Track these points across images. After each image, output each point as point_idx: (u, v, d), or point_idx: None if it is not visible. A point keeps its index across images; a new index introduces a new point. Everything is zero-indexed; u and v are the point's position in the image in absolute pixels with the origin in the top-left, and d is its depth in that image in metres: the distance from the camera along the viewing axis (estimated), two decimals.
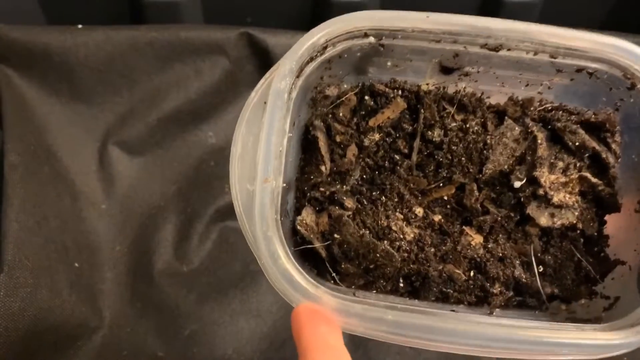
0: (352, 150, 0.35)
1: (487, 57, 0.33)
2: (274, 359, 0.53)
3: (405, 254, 0.33)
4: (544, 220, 0.34)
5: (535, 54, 0.32)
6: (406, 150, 0.35)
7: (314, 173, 0.35)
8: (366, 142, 0.35)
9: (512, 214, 0.35)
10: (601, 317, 0.33)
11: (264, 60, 0.60)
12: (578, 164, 0.34)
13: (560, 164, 0.34)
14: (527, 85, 0.35)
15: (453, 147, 0.35)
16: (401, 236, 0.33)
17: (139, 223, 0.59)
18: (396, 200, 0.34)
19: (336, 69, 0.34)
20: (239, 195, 0.30)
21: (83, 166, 0.58)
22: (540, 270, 0.34)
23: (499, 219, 0.34)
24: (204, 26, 0.60)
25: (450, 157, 0.35)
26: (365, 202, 0.34)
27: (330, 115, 0.36)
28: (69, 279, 0.52)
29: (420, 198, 0.35)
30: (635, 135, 0.35)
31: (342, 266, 0.33)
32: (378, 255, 0.32)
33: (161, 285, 0.56)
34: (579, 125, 0.35)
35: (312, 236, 0.33)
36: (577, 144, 0.34)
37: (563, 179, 0.34)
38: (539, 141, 0.34)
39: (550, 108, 0.36)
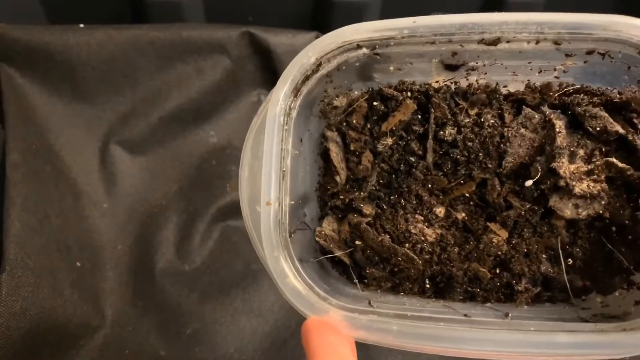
0: (367, 157, 0.35)
1: (488, 52, 0.32)
2: (275, 358, 0.53)
3: (428, 256, 0.33)
4: (568, 212, 0.32)
5: (537, 42, 0.31)
6: (420, 152, 0.35)
7: (331, 183, 0.36)
8: (380, 148, 0.35)
9: (536, 207, 0.33)
10: (630, 311, 0.31)
11: (266, 59, 0.60)
12: (604, 149, 0.32)
13: (582, 152, 0.32)
14: (540, 72, 0.34)
15: (469, 144, 0.34)
16: (422, 238, 0.33)
17: (140, 222, 0.59)
18: (415, 202, 0.34)
19: (339, 81, 0.35)
20: (249, 217, 0.32)
21: (85, 165, 0.58)
22: (570, 263, 0.33)
23: (523, 212, 0.33)
24: (205, 25, 0.60)
25: (467, 154, 0.34)
26: (385, 207, 0.34)
27: (344, 124, 0.36)
28: (70, 278, 0.52)
29: (441, 197, 0.35)
30: None
31: (367, 271, 0.34)
32: (399, 259, 0.33)
33: (163, 285, 0.56)
34: (601, 108, 0.32)
35: (332, 245, 0.34)
36: (598, 129, 0.32)
37: (585, 168, 0.32)
38: (557, 129, 0.32)
39: (571, 91, 0.33)
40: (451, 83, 0.35)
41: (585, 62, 0.32)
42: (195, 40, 0.58)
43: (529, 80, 0.34)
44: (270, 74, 0.61)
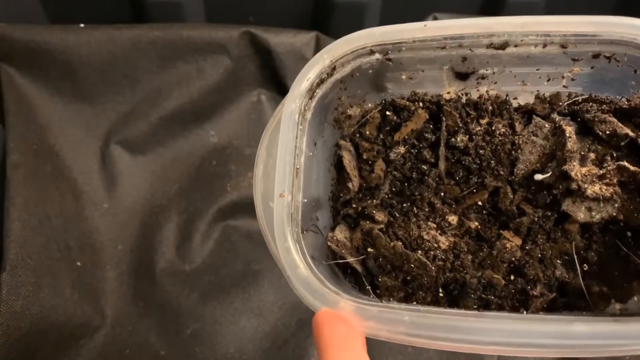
0: (380, 165, 0.36)
1: (497, 57, 0.33)
2: (275, 357, 0.53)
3: (441, 263, 0.33)
4: (581, 215, 0.32)
5: (545, 46, 0.32)
6: (432, 159, 0.35)
7: (344, 191, 0.36)
8: (392, 156, 0.35)
9: (549, 213, 0.33)
10: None
11: (266, 59, 0.60)
12: (615, 154, 0.32)
13: (592, 156, 0.32)
14: (548, 80, 0.34)
15: (480, 151, 0.34)
16: (435, 245, 0.33)
17: (141, 222, 0.59)
18: (427, 210, 0.34)
19: (353, 89, 0.35)
20: (262, 213, 0.32)
21: (85, 165, 0.58)
22: (585, 269, 0.32)
23: (537, 219, 0.33)
24: (206, 25, 0.60)
25: (479, 162, 0.34)
26: (397, 215, 0.34)
27: (357, 135, 0.36)
28: (71, 278, 0.52)
29: (454, 206, 0.35)
30: None
31: (380, 279, 0.33)
32: (412, 265, 0.32)
33: (163, 284, 0.56)
34: (610, 115, 0.33)
35: (344, 251, 0.34)
36: (607, 132, 0.32)
37: (597, 171, 0.32)
38: (567, 135, 0.32)
39: (580, 100, 0.34)
40: (462, 94, 0.35)
41: (592, 67, 0.33)
42: (195, 40, 0.58)
43: (538, 91, 0.35)
44: (270, 74, 0.61)
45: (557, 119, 0.33)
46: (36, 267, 0.49)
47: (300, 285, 0.29)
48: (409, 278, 0.33)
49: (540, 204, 0.33)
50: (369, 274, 0.34)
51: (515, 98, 0.35)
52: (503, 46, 0.32)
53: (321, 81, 0.33)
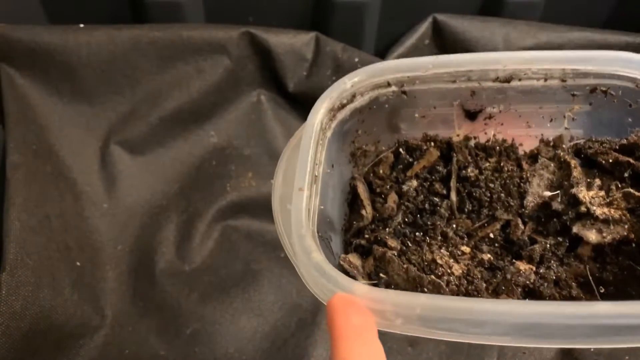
0: (393, 198, 0.37)
1: (503, 91, 0.35)
2: (275, 358, 0.53)
3: (455, 287, 0.32)
4: (593, 236, 0.32)
5: (546, 80, 0.34)
6: (444, 192, 0.36)
7: (357, 219, 0.36)
8: (405, 189, 0.36)
9: (561, 239, 0.34)
10: None
11: (266, 59, 0.60)
12: (619, 185, 0.34)
13: (598, 182, 0.34)
14: (551, 120, 0.36)
15: (490, 185, 0.35)
16: (448, 270, 0.33)
17: (140, 222, 0.59)
18: (440, 239, 0.35)
19: (370, 124, 0.37)
20: (279, 215, 0.32)
21: (85, 165, 0.58)
22: (602, 291, 0.32)
23: (549, 246, 0.34)
24: (205, 25, 0.60)
25: (489, 195, 0.35)
26: (410, 244, 0.35)
27: (371, 174, 0.38)
28: (70, 278, 0.52)
29: (466, 239, 0.35)
30: None
31: None
32: (425, 289, 0.32)
33: (163, 285, 0.56)
34: (611, 151, 0.35)
35: (356, 272, 0.34)
36: (610, 161, 0.34)
37: (604, 195, 0.33)
38: (573, 165, 0.34)
39: (582, 143, 0.36)
40: (472, 137, 0.38)
41: (590, 103, 0.35)
42: (195, 41, 0.58)
43: (542, 135, 0.37)
44: (270, 74, 0.61)
45: (561, 153, 0.35)
46: (36, 267, 0.49)
47: (315, 269, 0.28)
48: None
49: (551, 232, 0.34)
50: None
51: (521, 144, 0.38)
52: (508, 79, 0.34)
53: (342, 105, 0.34)
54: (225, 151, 0.62)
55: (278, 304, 0.56)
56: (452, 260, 0.34)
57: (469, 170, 0.36)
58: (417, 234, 0.35)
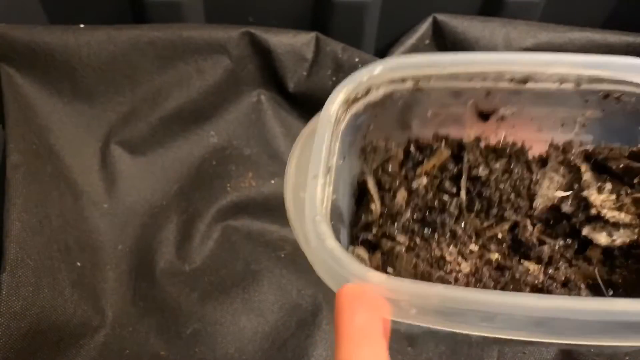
0: (402, 194, 0.36)
1: (517, 93, 0.34)
2: (275, 358, 0.53)
3: (463, 284, 0.33)
4: (603, 239, 0.33)
5: (561, 83, 0.33)
6: (454, 190, 0.36)
7: (365, 213, 0.36)
8: (414, 186, 0.36)
9: (570, 241, 0.34)
10: None
11: (266, 59, 0.60)
12: (630, 191, 0.34)
13: (609, 186, 0.34)
14: (562, 125, 0.36)
15: (500, 185, 0.35)
16: (457, 268, 0.33)
17: (140, 222, 0.59)
18: (449, 236, 0.35)
19: (382, 120, 0.36)
20: (292, 203, 0.31)
21: (85, 165, 0.58)
22: (611, 294, 0.32)
23: (557, 247, 0.34)
24: (205, 25, 0.60)
25: (499, 195, 0.35)
26: (418, 240, 0.35)
27: (380, 170, 0.37)
28: (71, 278, 0.52)
29: (474, 238, 0.35)
30: None
31: None
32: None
33: (163, 285, 0.56)
34: (622, 157, 0.35)
35: (364, 265, 0.33)
36: (621, 166, 0.34)
37: (614, 199, 0.33)
38: (583, 170, 0.34)
39: (591, 149, 0.36)
40: (482, 138, 0.37)
41: (602, 110, 0.34)
42: (195, 40, 0.58)
43: (552, 139, 0.37)
44: (270, 74, 0.61)
45: (571, 158, 0.35)
46: (36, 267, 0.49)
47: (329, 256, 0.27)
48: None
49: (560, 234, 0.34)
50: None
51: (530, 148, 0.37)
52: (524, 80, 0.33)
53: (356, 98, 0.33)
54: (225, 151, 0.62)
55: (278, 304, 0.56)
56: (460, 257, 0.34)
57: (480, 169, 0.36)
58: (425, 230, 0.35)
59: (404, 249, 0.33)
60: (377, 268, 0.34)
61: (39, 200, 0.52)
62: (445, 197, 0.36)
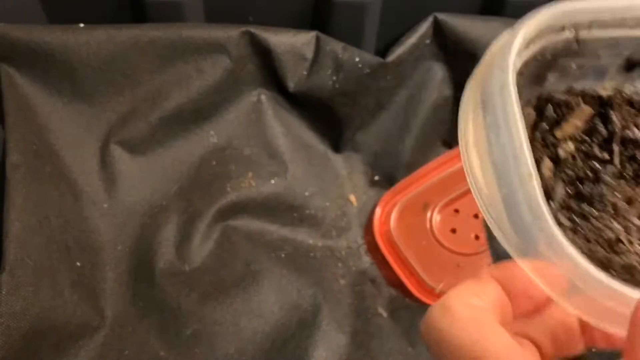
0: (547, 165, 0.31)
1: None
2: (275, 358, 0.53)
3: None
4: None
5: None
6: (605, 156, 0.31)
7: None
8: (562, 154, 0.30)
9: None
10: None
11: (266, 59, 0.60)
12: None
13: None
14: None
15: None
16: (631, 249, 0.28)
17: (140, 222, 0.59)
18: (611, 211, 0.30)
19: (528, 75, 0.31)
20: (497, 191, 0.26)
21: (85, 165, 0.58)
22: None
23: None
24: (205, 25, 0.60)
25: None
26: (577, 219, 0.29)
27: None
28: (70, 279, 0.52)
29: (628, 208, 0.30)
30: None
31: None
32: (615, 272, 0.27)
33: (163, 285, 0.56)
34: None
35: None
36: None
37: None
38: None
39: None
40: (619, 92, 0.32)
41: None
42: (195, 40, 0.58)
43: None
44: (270, 74, 0.61)
45: None
46: (36, 267, 0.49)
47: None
48: None
49: None
50: None
51: None
52: None
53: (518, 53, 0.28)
54: (225, 151, 0.62)
55: (278, 305, 0.55)
56: (630, 236, 0.29)
57: (635, 130, 0.30)
58: (582, 206, 0.29)
59: (570, 234, 0.28)
60: None
61: (39, 200, 0.52)
62: (597, 165, 0.30)
